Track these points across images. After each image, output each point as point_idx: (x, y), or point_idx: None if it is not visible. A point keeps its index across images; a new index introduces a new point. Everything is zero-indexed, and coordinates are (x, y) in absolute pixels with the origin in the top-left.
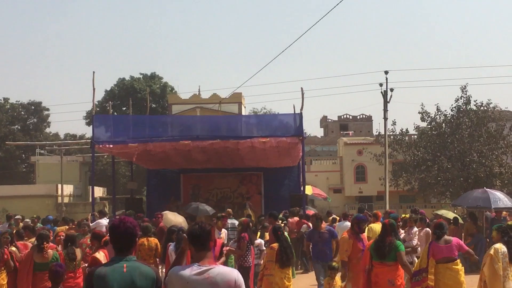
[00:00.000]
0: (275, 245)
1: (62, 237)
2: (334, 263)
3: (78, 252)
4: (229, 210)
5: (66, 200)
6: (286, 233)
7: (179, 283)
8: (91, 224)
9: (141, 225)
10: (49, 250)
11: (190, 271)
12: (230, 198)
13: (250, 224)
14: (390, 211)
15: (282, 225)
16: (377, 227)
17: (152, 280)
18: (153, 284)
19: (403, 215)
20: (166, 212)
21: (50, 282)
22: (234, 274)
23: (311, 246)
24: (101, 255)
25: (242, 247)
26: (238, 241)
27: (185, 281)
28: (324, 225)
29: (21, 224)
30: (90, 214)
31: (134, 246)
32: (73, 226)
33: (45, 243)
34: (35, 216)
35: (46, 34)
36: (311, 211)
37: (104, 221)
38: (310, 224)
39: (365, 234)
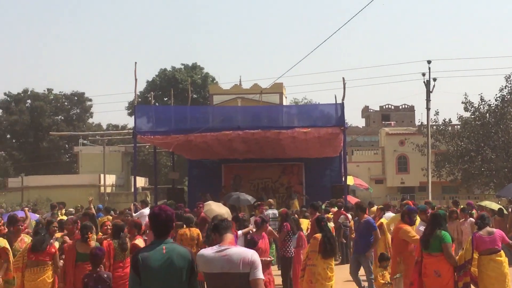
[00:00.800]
0: (318, 235)
1: (108, 226)
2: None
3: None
4: (270, 200)
5: (108, 190)
6: (330, 224)
7: (201, 260)
8: (134, 214)
9: (183, 216)
10: (92, 241)
11: (211, 250)
12: (271, 189)
13: (290, 213)
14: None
15: (328, 216)
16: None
17: (188, 260)
18: (189, 263)
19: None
20: (210, 202)
21: (90, 265)
22: (249, 253)
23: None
24: (140, 242)
25: (282, 235)
26: (279, 231)
27: (206, 258)
28: (365, 215)
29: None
30: (132, 204)
31: (171, 231)
32: (115, 216)
33: (89, 233)
34: (79, 206)
35: (89, 24)
36: (354, 200)
37: (147, 211)
38: (349, 216)
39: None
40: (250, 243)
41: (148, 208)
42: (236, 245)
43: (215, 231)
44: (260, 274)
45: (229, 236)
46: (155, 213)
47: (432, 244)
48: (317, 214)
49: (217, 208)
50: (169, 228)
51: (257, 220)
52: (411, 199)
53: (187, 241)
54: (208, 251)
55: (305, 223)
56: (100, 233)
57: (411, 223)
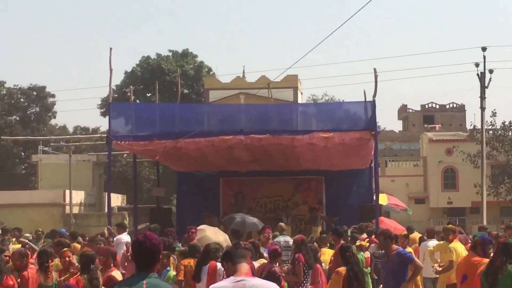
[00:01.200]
0: (342, 269)
1: (68, 258)
2: None
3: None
4: (282, 224)
5: (75, 210)
6: (362, 254)
7: None
8: (117, 237)
9: (190, 245)
10: (53, 272)
11: (226, 283)
12: (282, 209)
13: (306, 241)
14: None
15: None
16: (458, 246)
17: None
18: None
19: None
20: (204, 227)
21: None
22: (272, 286)
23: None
24: (117, 274)
25: (298, 272)
26: (293, 264)
27: None
28: (394, 246)
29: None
30: (105, 228)
31: (156, 263)
32: (84, 243)
33: (50, 261)
34: (39, 230)
35: (51, 3)
36: (392, 223)
37: (125, 237)
38: None
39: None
40: (273, 278)
41: (126, 233)
42: (253, 276)
43: (227, 259)
44: None
45: (244, 266)
46: (139, 241)
47: (501, 281)
48: (342, 241)
49: (213, 235)
50: (154, 260)
51: (271, 248)
52: (460, 224)
53: (191, 274)
54: (223, 283)
55: (327, 254)
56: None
57: (485, 255)
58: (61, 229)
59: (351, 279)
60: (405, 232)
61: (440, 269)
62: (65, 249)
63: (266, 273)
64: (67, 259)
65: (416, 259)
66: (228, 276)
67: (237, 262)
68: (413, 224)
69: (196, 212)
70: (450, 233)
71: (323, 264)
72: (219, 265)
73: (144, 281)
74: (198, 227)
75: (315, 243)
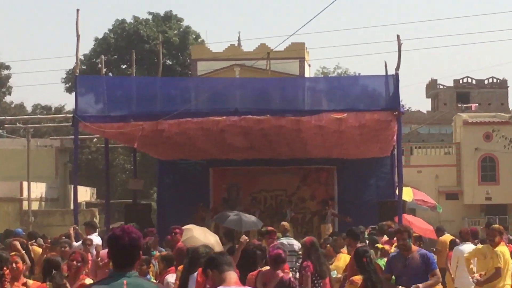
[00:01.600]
0: (358, 278)
1: (15, 264)
2: None
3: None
4: (285, 223)
5: (35, 205)
6: (381, 260)
7: None
8: (75, 244)
9: (188, 250)
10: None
11: None
12: (284, 205)
13: (317, 244)
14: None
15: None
16: (505, 250)
17: None
18: None
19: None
20: (191, 226)
21: None
22: None
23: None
24: (90, 282)
25: (305, 283)
26: (300, 273)
27: None
28: (414, 248)
29: None
30: (71, 228)
31: (137, 260)
32: (47, 245)
33: (4, 268)
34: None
35: None
36: (418, 223)
37: (95, 239)
38: None
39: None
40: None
41: (95, 234)
42: (244, 286)
43: (212, 267)
44: None
45: (232, 275)
46: (116, 235)
47: None
48: (358, 245)
49: (202, 236)
50: (134, 256)
51: (273, 253)
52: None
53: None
54: None
55: (343, 260)
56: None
57: None
58: (17, 228)
59: None
60: (416, 234)
61: (483, 279)
62: (13, 253)
63: (277, 284)
64: (14, 265)
65: (437, 270)
66: (212, 287)
67: (224, 270)
68: (444, 224)
69: (181, 209)
70: (496, 234)
71: (335, 271)
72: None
73: (124, 281)
74: (184, 227)
75: (328, 246)
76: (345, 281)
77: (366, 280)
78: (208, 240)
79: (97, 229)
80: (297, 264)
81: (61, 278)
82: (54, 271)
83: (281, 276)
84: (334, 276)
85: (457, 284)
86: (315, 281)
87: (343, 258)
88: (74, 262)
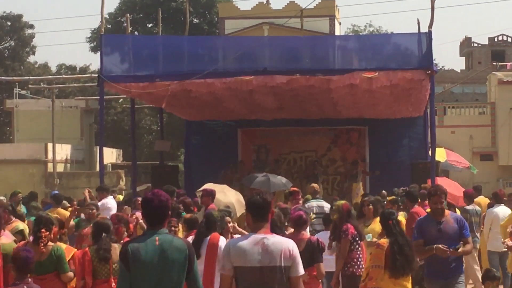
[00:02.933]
0: (384, 241)
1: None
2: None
3: (116, 249)
4: (315, 185)
5: (60, 168)
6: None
7: (236, 253)
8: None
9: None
10: (50, 243)
11: (246, 241)
12: (315, 167)
13: (352, 211)
14: None
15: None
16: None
17: (185, 254)
18: (186, 257)
19: None
20: (209, 185)
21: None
22: (290, 244)
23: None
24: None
25: (344, 247)
26: (335, 238)
27: (242, 250)
28: (447, 211)
29: None
30: (86, 191)
31: (166, 219)
32: (73, 208)
33: (43, 230)
34: (19, 191)
35: None
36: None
37: (111, 202)
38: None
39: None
40: (315, 250)
41: (111, 197)
42: (272, 233)
43: (252, 212)
44: (302, 270)
45: (266, 224)
46: (148, 198)
47: None
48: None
49: (222, 196)
50: (163, 216)
51: (295, 215)
52: None
53: None
54: (243, 242)
55: (378, 223)
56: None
57: None
58: (54, 191)
59: (395, 254)
60: (393, 197)
61: None
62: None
63: (306, 246)
64: (43, 235)
65: (470, 238)
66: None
67: (260, 220)
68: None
69: (209, 170)
70: None
71: (370, 234)
72: (222, 239)
73: (156, 237)
74: (203, 187)
75: (370, 207)
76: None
77: (393, 243)
78: (228, 199)
79: (110, 192)
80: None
81: (105, 242)
82: (104, 234)
83: (308, 237)
84: (369, 240)
85: (489, 247)
86: (357, 243)
87: (377, 221)
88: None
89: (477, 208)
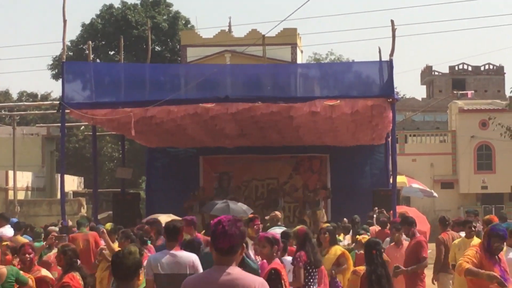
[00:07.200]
0: (361, 268)
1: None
2: None
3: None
4: (277, 213)
5: (21, 195)
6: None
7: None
8: (6, 234)
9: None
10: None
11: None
12: (277, 194)
13: (311, 235)
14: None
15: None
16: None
17: None
18: None
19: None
20: (158, 216)
21: None
22: (256, 281)
23: None
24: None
25: (298, 274)
26: (292, 264)
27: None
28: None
29: None
30: (60, 221)
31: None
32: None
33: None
34: None
35: None
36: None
37: (7, 230)
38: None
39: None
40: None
41: (8, 226)
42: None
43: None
44: None
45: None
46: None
47: None
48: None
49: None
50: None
51: (263, 237)
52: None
53: None
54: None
55: (333, 253)
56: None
57: (491, 251)
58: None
59: (372, 284)
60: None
61: None
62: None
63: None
64: (27, 256)
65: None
66: None
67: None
68: (440, 213)
69: (171, 198)
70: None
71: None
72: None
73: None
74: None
75: (326, 233)
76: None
77: (371, 272)
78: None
79: (9, 220)
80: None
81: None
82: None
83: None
84: (341, 244)
85: None
86: (310, 271)
87: (334, 251)
88: (26, 255)
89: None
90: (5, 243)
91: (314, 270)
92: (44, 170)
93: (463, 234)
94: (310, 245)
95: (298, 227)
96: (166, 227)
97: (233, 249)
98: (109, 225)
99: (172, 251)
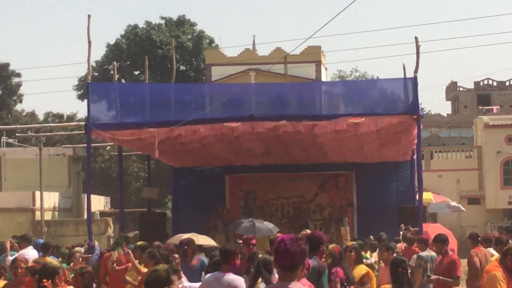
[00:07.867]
0: (387, 287)
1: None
2: None
3: None
4: (308, 231)
5: (48, 216)
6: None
7: None
8: (9, 258)
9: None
10: None
11: None
12: (303, 212)
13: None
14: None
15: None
16: None
17: None
18: None
19: None
20: (178, 236)
21: None
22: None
23: None
24: None
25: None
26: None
27: None
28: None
29: None
30: (7, 241)
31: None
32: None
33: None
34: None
35: None
36: (436, 227)
37: (31, 253)
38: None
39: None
40: None
41: (31, 247)
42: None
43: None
44: None
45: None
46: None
47: None
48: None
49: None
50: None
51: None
52: None
53: None
54: None
55: (356, 272)
56: None
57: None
58: (38, 240)
59: None
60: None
61: None
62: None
63: None
64: (19, 270)
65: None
66: None
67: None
68: (467, 229)
69: (197, 217)
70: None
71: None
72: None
73: None
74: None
75: (352, 253)
76: None
77: None
78: (205, 241)
79: (32, 242)
80: None
81: None
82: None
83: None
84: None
85: None
86: (346, 285)
87: (359, 270)
88: (19, 269)
89: (432, 253)
90: (24, 265)
91: (349, 285)
92: (71, 190)
93: (491, 249)
94: (344, 262)
95: (332, 245)
96: (220, 250)
97: (295, 266)
98: (141, 243)
99: (222, 273)
